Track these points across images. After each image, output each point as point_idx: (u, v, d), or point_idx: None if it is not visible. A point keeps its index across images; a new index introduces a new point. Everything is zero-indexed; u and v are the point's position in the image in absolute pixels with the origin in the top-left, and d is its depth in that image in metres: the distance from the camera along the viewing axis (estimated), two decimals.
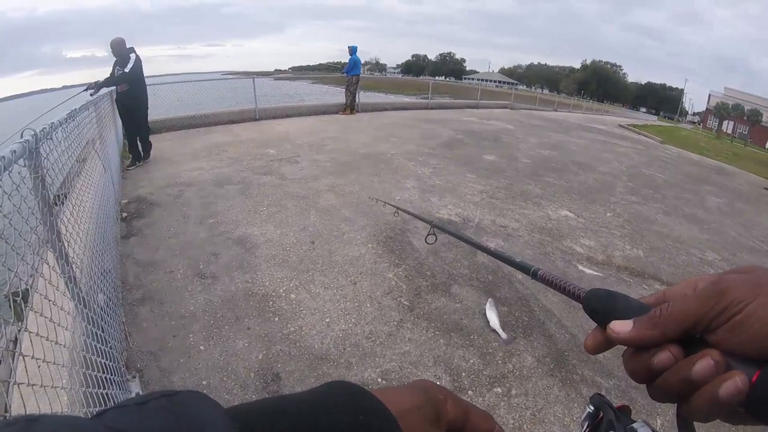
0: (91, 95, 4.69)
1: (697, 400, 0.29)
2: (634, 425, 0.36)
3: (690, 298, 0.32)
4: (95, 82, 5.28)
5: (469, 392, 2.14)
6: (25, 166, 1.23)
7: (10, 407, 1.08)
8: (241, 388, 2.07)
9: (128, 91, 5.57)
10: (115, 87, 5.54)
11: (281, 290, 2.90)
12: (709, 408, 0.29)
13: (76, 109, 2.15)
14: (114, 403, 1.54)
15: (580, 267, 3.60)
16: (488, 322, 2.70)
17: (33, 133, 1.26)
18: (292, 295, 2.85)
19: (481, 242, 0.91)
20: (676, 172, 8.22)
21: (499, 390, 2.17)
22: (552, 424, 2.00)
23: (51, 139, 1.47)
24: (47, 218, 1.34)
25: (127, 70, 5.44)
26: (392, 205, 2.19)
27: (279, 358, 2.29)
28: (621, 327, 0.34)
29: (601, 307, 0.38)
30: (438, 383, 0.36)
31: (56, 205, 1.99)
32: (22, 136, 1.23)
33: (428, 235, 1.44)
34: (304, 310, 2.70)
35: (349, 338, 2.48)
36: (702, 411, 0.30)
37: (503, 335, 2.58)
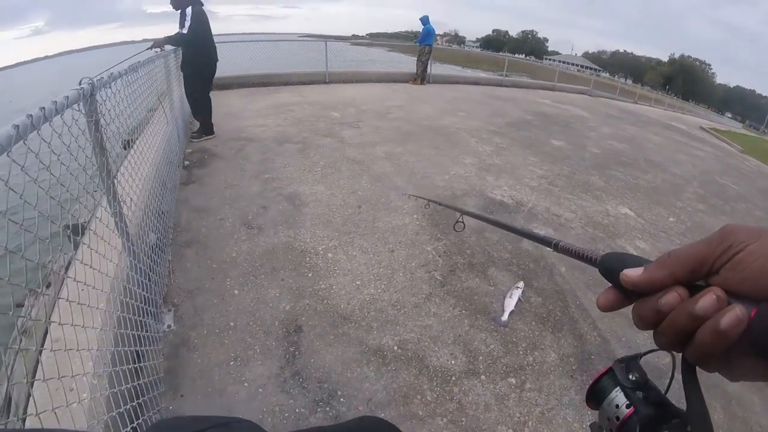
0: (155, 53, 4.05)
1: (701, 334, 0.31)
2: None
3: (696, 243, 0.34)
4: (165, 38, 4.58)
5: (482, 377, 2.13)
6: (80, 110, 1.36)
7: (50, 323, 1.23)
8: (264, 334, 2.21)
9: (186, 54, 4.88)
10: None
11: (320, 248, 3.02)
12: (711, 340, 0.30)
13: (140, 61, 2.31)
14: (146, 330, 1.72)
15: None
16: (504, 297, 2.70)
17: (90, 81, 1.39)
18: (330, 255, 2.96)
19: (502, 221, 0.94)
20: (751, 186, 7.38)
21: (513, 380, 2.14)
22: (559, 427, 1.92)
23: (109, 87, 1.61)
24: (99, 159, 1.49)
25: (185, 30, 4.63)
26: (423, 198, 2.19)
27: (305, 311, 2.41)
28: (632, 272, 0.36)
29: (615, 265, 0.39)
30: None
31: (125, 148, 2.19)
32: (80, 84, 1.37)
33: (456, 222, 1.46)
34: (338, 270, 2.80)
35: (375, 303, 2.55)
36: (705, 345, 0.31)
37: (503, 318, 2.55)
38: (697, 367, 0.35)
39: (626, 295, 0.38)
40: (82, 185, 1.31)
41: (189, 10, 4.66)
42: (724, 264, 0.32)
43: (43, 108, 1.05)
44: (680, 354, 0.35)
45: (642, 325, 0.36)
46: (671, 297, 0.33)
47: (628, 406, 0.42)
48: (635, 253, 3.87)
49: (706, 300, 0.31)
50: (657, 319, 0.34)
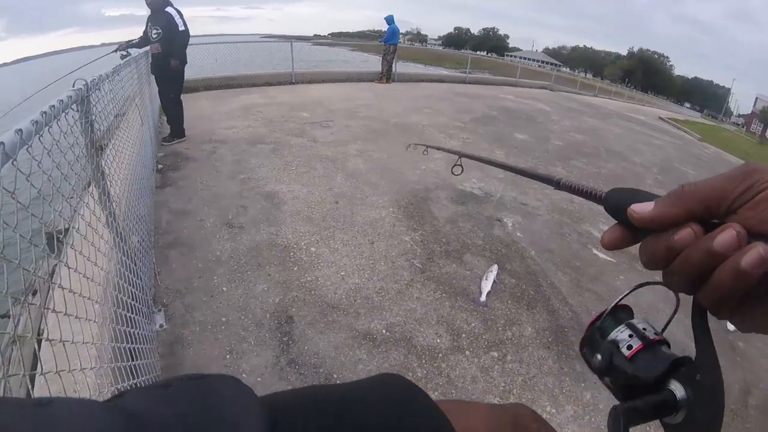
0: (121, 58, 4.16)
1: (719, 273, 0.28)
2: (633, 320, 0.39)
3: (714, 178, 0.31)
4: (127, 42, 4.70)
5: (467, 352, 2.28)
6: (77, 111, 1.40)
7: (49, 308, 1.26)
8: (257, 327, 2.28)
9: (164, 55, 4.73)
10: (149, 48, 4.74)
11: (303, 243, 3.10)
12: (730, 281, 0.28)
13: (120, 64, 2.33)
14: (140, 328, 1.75)
15: (594, 251, 3.62)
16: (481, 280, 2.86)
17: (84, 82, 1.44)
18: (312, 249, 3.04)
19: (502, 162, 0.99)
20: (709, 171, 7.86)
21: (495, 354, 2.30)
22: (541, 393, 2.10)
23: (99, 89, 1.65)
24: (94, 158, 1.53)
25: (182, 28, 4.67)
26: (422, 145, 2.29)
27: (294, 303, 2.49)
28: (642, 207, 0.33)
29: (622, 201, 0.36)
30: (537, 412, 0.37)
31: (101, 150, 2.20)
32: (74, 86, 1.41)
33: (455, 165, 1.49)
34: (322, 263, 2.89)
35: (361, 291, 2.66)
36: (723, 287, 0.28)
37: (482, 298, 2.71)
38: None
39: (633, 232, 0.36)
40: (83, 183, 1.36)
41: (171, 9, 4.65)
42: (744, 203, 0.29)
43: (53, 106, 1.10)
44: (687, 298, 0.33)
45: (651, 265, 0.33)
46: (686, 233, 0.30)
47: (629, 348, 0.37)
48: (599, 236, 4.05)
49: (726, 235, 0.28)
50: (668, 257, 0.31)
